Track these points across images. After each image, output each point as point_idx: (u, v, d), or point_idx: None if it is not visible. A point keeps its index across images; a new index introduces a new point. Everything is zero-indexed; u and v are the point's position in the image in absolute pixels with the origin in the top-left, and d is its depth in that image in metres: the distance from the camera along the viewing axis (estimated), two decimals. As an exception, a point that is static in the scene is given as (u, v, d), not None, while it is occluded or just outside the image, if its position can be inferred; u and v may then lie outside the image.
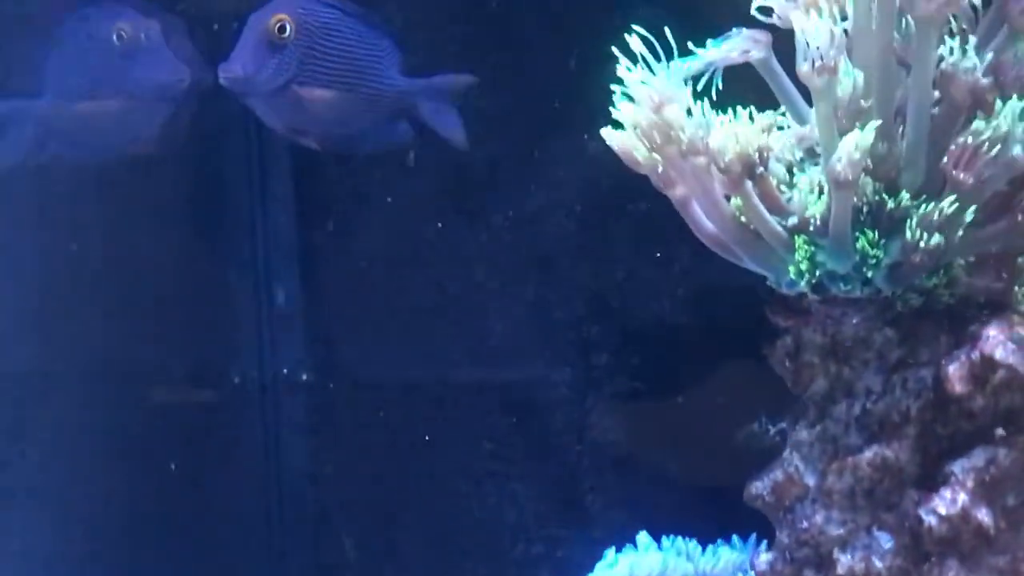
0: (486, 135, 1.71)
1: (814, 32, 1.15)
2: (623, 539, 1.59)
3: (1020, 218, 1.15)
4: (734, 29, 1.24)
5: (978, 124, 1.12)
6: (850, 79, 1.16)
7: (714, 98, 1.21)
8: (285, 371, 1.78)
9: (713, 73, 1.23)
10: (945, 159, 1.14)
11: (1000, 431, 1.17)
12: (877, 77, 1.18)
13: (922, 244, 1.14)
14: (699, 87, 1.21)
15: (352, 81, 1.55)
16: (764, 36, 1.24)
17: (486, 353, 1.76)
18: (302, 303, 1.81)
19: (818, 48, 1.15)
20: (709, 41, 1.24)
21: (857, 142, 1.13)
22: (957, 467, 1.17)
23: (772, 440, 1.37)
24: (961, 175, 1.13)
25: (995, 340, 1.16)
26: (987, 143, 1.12)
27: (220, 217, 1.81)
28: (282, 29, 1.51)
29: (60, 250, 1.72)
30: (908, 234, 1.15)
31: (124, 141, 1.62)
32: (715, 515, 1.58)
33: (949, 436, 1.19)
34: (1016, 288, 1.17)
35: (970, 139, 1.13)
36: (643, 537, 1.57)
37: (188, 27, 1.61)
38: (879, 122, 1.14)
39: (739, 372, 1.65)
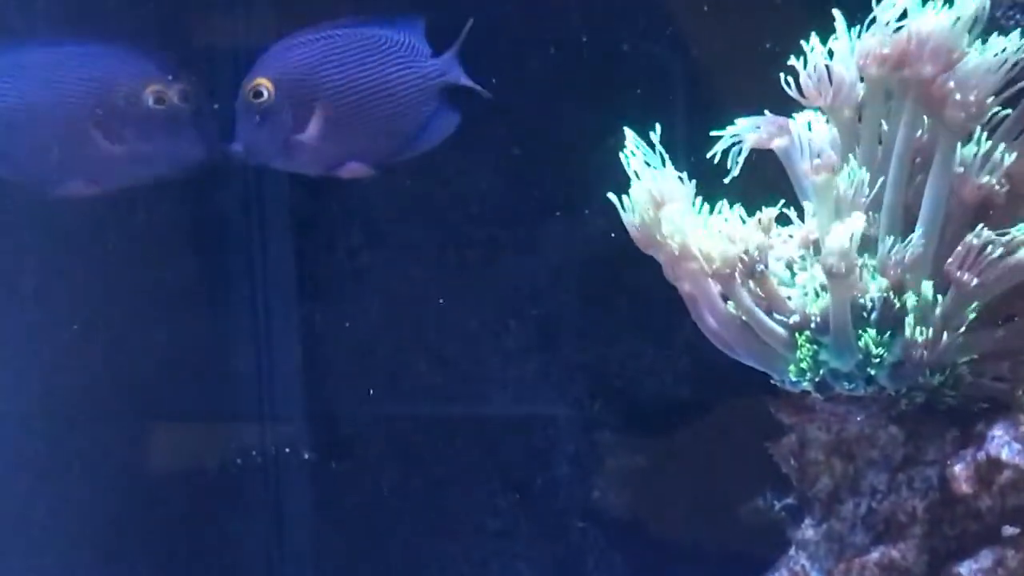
0: (487, 210, 1.71)
1: (817, 131, 1.16)
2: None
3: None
4: (766, 113, 1.24)
5: (987, 232, 1.12)
6: (853, 177, 1.15)
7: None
8: (287, 450, 1.77)
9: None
10: (951, 259, 1.14)
11: (1008, 529, 1.16)
12: (893, 176, 1.17)
13: (920, 338, 1.14)
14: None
15: (371, 97, 1.53)
16: (789, 123, 1.24)
17: (488, 427, 1.75)
18: (303, 379, 1.80)
19: (818, 146, 1.16)
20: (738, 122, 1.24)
21: (849, 233, 1.13)
22: (965, 568, 1.16)
23: (777, 516, 1.37)
24: (964, 276, 1.13)
25: (1001, 440, 1.16)
26: (992, 246, 1.12)
27: (220, 295, 1.80)
28: (258, 95, 1.50)
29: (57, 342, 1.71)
30: (907, 330, 1.15)
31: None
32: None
33: (956, 536, 1.18)
34: (1020, 392, 1.17)
35: (975, 240, 1.12)
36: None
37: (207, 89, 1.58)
38: (862, 214, 1.14)
39: (744, 445, 1.64)
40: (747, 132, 1.23)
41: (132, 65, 1.54)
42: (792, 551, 1.26)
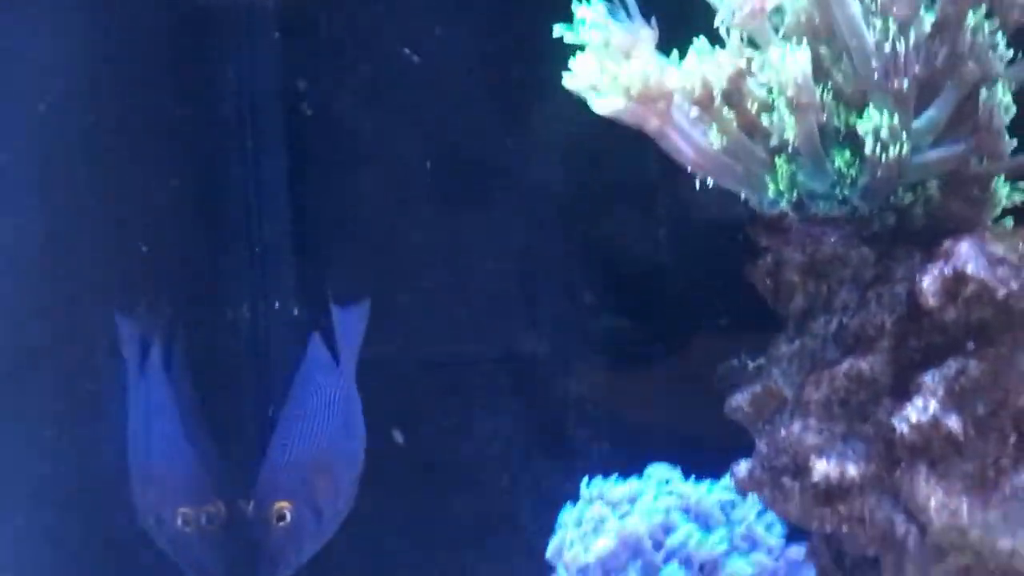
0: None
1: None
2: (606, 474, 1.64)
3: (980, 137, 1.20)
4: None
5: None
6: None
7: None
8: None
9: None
10: (875, 76, 1.19)
11: (971, 344, 1.21)
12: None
13: (881, 157, 1.19)
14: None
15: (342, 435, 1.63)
16: None
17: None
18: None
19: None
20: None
21: (802, 67, 1.19)
22: (928, 377, 1.20)
23: (750, 375, 1.41)
24: (895, 83, 1.18)
25: (967, 255, 1.20)
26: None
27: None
28: (282, 517, 1.55)
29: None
30: (867, 148, 1.20)
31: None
32: (699, 453, 1.62)
33: (922, 349, 1.22)
34: (987, 212, 1.22)
35: (888, 46, 1.18)
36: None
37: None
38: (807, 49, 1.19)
39: (721, 312, 1.70)
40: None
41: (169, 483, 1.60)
42: (764, 364, 1.30)
